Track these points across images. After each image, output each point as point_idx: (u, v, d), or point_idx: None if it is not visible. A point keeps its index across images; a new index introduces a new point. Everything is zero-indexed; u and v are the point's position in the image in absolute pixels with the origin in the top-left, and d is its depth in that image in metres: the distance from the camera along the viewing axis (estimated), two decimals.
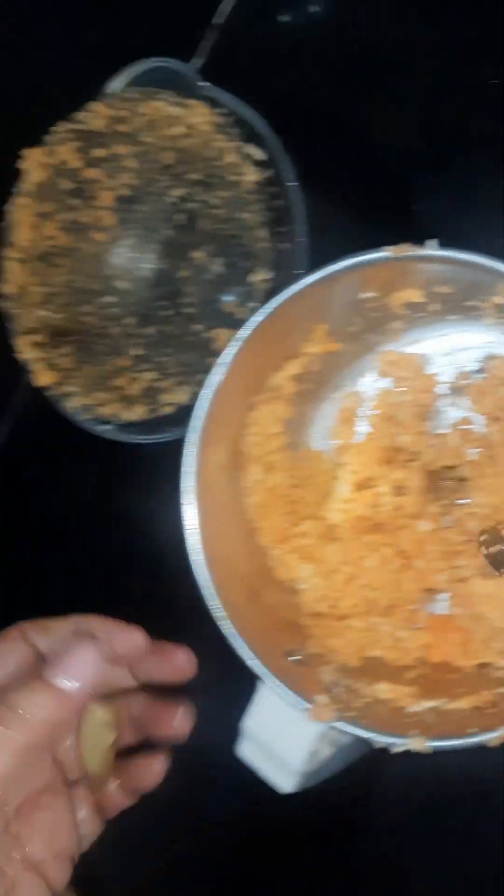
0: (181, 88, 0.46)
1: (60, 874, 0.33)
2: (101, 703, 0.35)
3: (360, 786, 0.46)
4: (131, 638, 0.35)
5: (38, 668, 0.33)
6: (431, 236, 0.37)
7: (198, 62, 0.50)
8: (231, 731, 0.42)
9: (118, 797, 0.37)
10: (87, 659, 0.32)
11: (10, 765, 0.29)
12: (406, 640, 0.40)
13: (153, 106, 0.44)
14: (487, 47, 0.47)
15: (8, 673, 0.34)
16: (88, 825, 0.35)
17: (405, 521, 0.41)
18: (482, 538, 0.40)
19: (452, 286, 0.39)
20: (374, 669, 0.40)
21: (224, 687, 0.42)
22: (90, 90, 0.46)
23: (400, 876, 0.47)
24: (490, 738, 0.35)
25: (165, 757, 0.37)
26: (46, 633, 0.35)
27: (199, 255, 0.45)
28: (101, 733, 0.35)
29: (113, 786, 0.36)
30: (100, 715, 0.35)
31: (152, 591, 0.49)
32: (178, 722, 0.37)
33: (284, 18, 0.50)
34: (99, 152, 0.46)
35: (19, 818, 0.32)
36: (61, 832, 0.33)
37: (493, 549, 0.39)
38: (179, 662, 0.37)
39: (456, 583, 0.40)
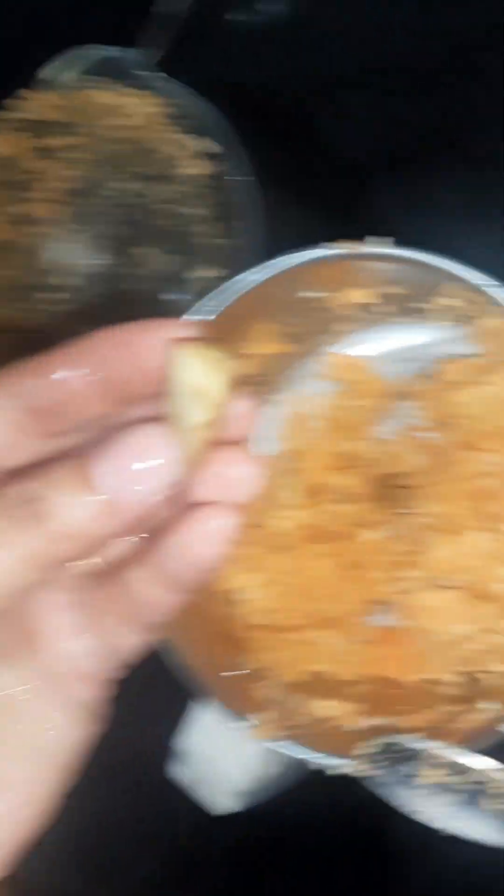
0: (130, 78, 0.44)
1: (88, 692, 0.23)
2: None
3: (306, 804, 0.44)
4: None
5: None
6: (389, 236, 0.36)
7: (156, 54, 0.48)
8: (162, 747, 0.40)
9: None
10: (157, 451, 0.20)
11: (14, 576, 0.19)
12: (350, 654, 0.39)
13: (97, 95, 0.43)
14: (451, 48, 0.47)
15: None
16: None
17: (352, 529, 0.40)
18: None
19: (400, 286, 0.38)
20: (316, 685, 0.39)
21: (154, 701, 0.40)
22: (26, 77, 0.44)
23: None
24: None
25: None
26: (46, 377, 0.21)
27: (145, 250, 0.44)
28: (209, 378, 0.19)
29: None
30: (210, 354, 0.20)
31: None
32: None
33: (248, 13, 0.49)
34: (44, 142, 0.45)
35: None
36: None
37: None
38: None
39: (402, 594, 0.39)
